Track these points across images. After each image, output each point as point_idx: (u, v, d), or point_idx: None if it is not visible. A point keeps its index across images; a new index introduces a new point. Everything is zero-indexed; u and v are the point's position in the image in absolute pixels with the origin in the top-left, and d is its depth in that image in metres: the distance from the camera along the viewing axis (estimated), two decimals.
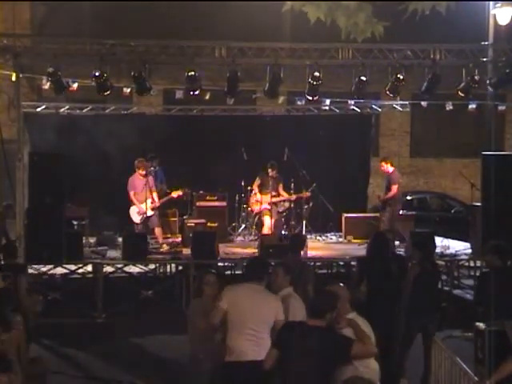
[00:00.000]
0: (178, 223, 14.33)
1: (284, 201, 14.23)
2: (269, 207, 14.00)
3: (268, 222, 13.92)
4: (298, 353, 5.16)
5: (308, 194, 14.07)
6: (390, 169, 13.92)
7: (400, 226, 13.69)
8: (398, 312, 8.16)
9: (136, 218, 12.85)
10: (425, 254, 8.28)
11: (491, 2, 15.46)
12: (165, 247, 12.93)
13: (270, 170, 13.97)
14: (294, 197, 14.11)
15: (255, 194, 14.21)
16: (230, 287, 6.18)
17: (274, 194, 14.05)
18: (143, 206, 12.72)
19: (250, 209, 14.54)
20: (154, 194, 12.93)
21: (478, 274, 12.40)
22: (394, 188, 13.69)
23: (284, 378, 5.31)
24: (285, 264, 6.92)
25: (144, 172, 12.79)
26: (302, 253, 9.14)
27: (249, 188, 14.48)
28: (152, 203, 12.81)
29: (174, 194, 13.28)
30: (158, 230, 12.99)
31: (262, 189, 14.12)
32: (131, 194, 12.80)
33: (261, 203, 14.06)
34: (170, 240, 13.70)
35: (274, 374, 5.45)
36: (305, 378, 5.13)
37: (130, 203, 12.87)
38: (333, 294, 5.46)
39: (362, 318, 5.57)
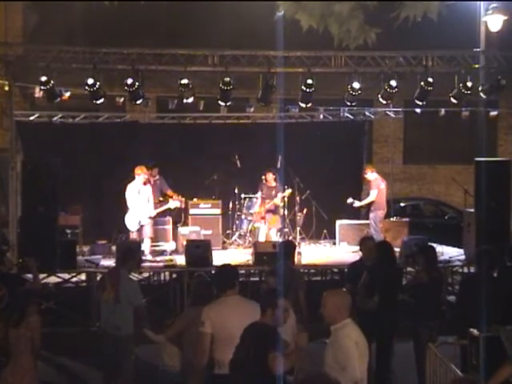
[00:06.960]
0: (171, 231, 14.29)
1: (276, 207, 14.21)
2: (263, 215, 14.02)
3: (262, 230, 13.94)
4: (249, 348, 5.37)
5: (286, 194, 14.00)
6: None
7: (392, 233, 13.72)
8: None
9: (131, 226, 12.83)
10: (429, 259, 8.28)
11: (482, 10, 15.51)
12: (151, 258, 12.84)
13: (264, 177, 14.01)
14: (278, 199, 14.07)
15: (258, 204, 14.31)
16: (209, 308, 6.02)
17: (267, 201, 14.05)
18: (139, 214, 12.70)
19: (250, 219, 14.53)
20: (151, 203, 12.92)
21: None
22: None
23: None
24: (274, 272, 6.89)
25: (143, 180, 12.79)
26: (293, 259, 9.12)
27: (242, 196, 14.51)
28: (148, 212, 12.80)
29: (172, 205, 13.32)
30: (147, 241, 12.89)
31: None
32: (129, 201, 12.76)
33: (259, 213, 14.10)
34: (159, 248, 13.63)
35: None
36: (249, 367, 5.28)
37: (125, 211, 12.85)
38: (272, 292, 5.96)
39: (356, 327, 5.55)
